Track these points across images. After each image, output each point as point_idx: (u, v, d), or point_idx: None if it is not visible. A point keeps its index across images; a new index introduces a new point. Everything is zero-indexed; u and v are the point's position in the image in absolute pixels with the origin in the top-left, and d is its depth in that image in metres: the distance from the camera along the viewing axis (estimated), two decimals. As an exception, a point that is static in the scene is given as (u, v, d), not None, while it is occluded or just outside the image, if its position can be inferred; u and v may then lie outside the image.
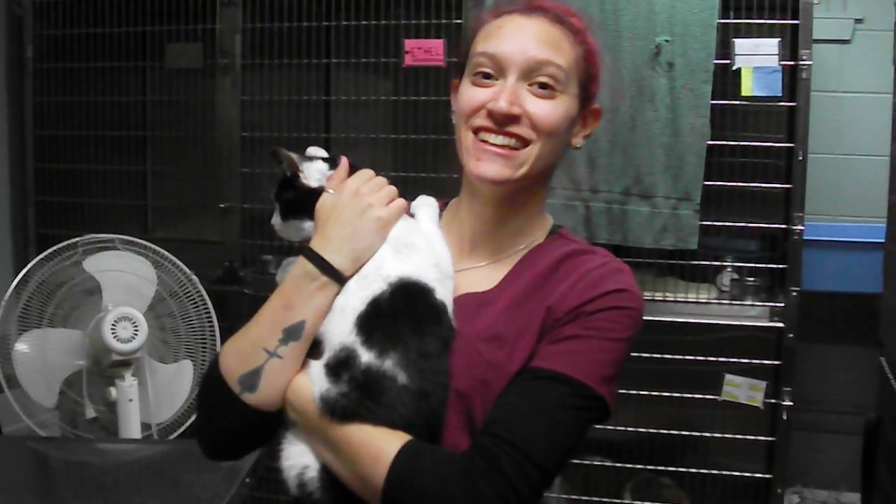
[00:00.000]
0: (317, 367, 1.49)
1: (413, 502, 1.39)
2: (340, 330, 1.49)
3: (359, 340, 1.46)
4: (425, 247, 1.58)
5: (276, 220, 1.66)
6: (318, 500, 1.50)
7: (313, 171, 1.61)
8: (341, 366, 1.46)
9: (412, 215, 1.66)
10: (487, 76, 1.58)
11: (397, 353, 1.44)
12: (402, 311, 1.48)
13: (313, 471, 1.51)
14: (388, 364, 1.44)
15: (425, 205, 1.71)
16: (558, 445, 1.45)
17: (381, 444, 1.42)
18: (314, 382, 1.48)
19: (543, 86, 1.56)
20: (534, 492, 1.42)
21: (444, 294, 1.55)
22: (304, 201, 1.60)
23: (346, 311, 1.50)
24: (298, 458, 1.52)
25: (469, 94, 1.60)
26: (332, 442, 1.46)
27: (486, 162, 1.57)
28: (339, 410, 1.44)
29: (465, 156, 1.61)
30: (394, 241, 1.56)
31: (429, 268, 1.55)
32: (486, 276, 1.64)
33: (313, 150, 1.70)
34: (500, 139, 1.55)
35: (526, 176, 1.58)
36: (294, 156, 1.61)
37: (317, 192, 1.60)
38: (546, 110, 1.56)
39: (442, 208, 1.77)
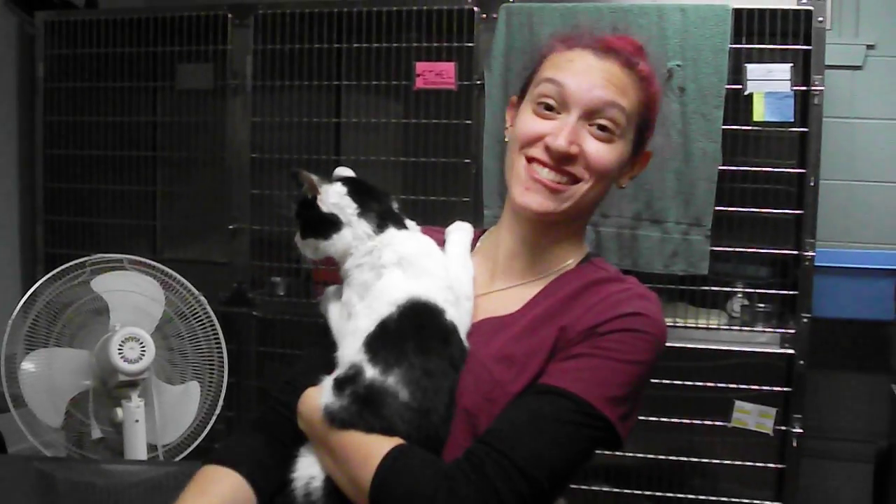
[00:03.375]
0: (327, 382, 1.53)
1: (396, 501, 1.40)
2: (350, 350, 1.53)
3: (366, 358, 1.49)
4: (437, 269, 1.61)
5: (297, 237, 1.69)
6: None
7: (330, 195, 1.64)
8: (347, 381, 1.49)
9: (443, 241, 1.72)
10: (550, 107, 1.60)
11: (401, 370, 1.47)
12: (409, 331, 1.51)
13: (318, 481, 1.54)
14: (391, 381, 1.47)
15: (459, 229, 1.76)
16: (550, 457, 1.43)
17: (371, 448, 1.44)
18: (322, 395, 1.51)
19: (603, 128, 1.58)
20: (519, 499, 1.40)
21: (457, 315, 1.57)
22: (319, 223, 1.64)
23: (356, 333, 1.54)
24: (306, 470, 1.56)
25: (529, 123, 1.62)
26: (331, 448, 1.49)
27: (532, 192, 1.60)
28: (338, 422, 1.47)
29: (514, 181, 1.63)
30: (403, 265, 1.58)
31: (440, 290, 1.57)
32: (512, 300, 1.66)
33: (340, 171, 1.74)
34: (551, 175, 1.58)
35: (568, 211, 1.61)
36: (314, 178, 1.65)
37: (330, 218, 1.63)
38: (602, 153, 1.58)
39: (479, 236, 1.81)
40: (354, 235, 1.62)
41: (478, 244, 1.79)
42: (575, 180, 1.59)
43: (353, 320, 1.57)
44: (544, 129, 1.59)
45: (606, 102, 1.57)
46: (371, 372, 1.47)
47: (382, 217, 1.64)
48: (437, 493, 1.38)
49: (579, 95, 1.57)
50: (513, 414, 1.47)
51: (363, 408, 1.46)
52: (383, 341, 1.50)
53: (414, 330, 1.51)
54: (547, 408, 1.46)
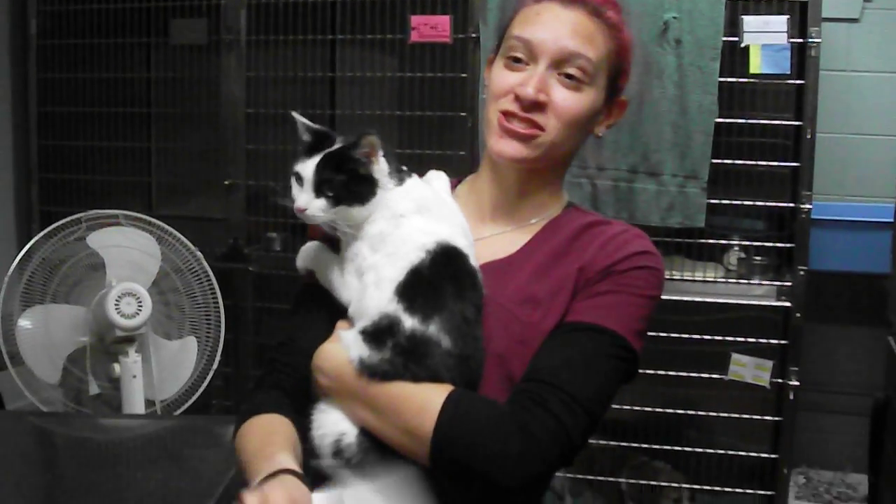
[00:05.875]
0: (351, 334, 1.51)
1: (464, 447, 1.42)
2: (377, 301, 1.50)
3: (401, 308, 1.47)
4: (453, 214, 1.63)
5: (313, 203, 1.54)
6: (356, 464, 1.49)
7: (384, 164, 1.58)
8: (383, 333, 1.48)
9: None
10: (519, 60, 1.65)
11: (441, 318, 1.47)
12: (444, 277, 1.51)
13: (351, 436, 1.51)
14: (433, 329, 1.47)
15: (438, 178, 1.77)
16: (600, 391, 1.52)
17: (426, 395, 1.45)
18: (350, 348, 1.50)
19: (571, 77, 1.63)
20: (581, 433, 1.47)
21: (474, 260, 1.59)
22: (361, 188, 1.55)
23: (381, 284, 1.50)
24: (333, 427, 1.53)
25: (500, 77, 1.68)
26: (373, 400, 1.48)
27: (506, 140, 1.65)
28: (380, 374, 1.46)
29: (489, 132, 1.69)
30: (422, 211, 1.58)
31: (459, 236, 1.58)
32: (506, 244, 1.72)
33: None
34: (522, 125, 1.63)
35: (542, 158, 1.66)
36: (379, 141, 1.55)
37: (373, 182, 1.55)
38: (570, 101, 1.64)
39: (453, 186, 1.84)
40: (383, 197, 1.56)
41: (455, 192, 1.81)
42: (541, 128, 1.63)
43: (371, 272, 1.52)
44: (514, 81, 1.64)
45: (572, 52, 1.62)
46: (410, 321, 1.46)
47: (399, 173, 1.62)
48: (508, 433, 1.42)
49: (546, 46, 1.63)
50: (558, 351, 1.54)
51: (408, 359, 1.46)
52: (418, 289, 1.49)
53: (449, 276, 1.52)
54: (589, 344, 1.54)
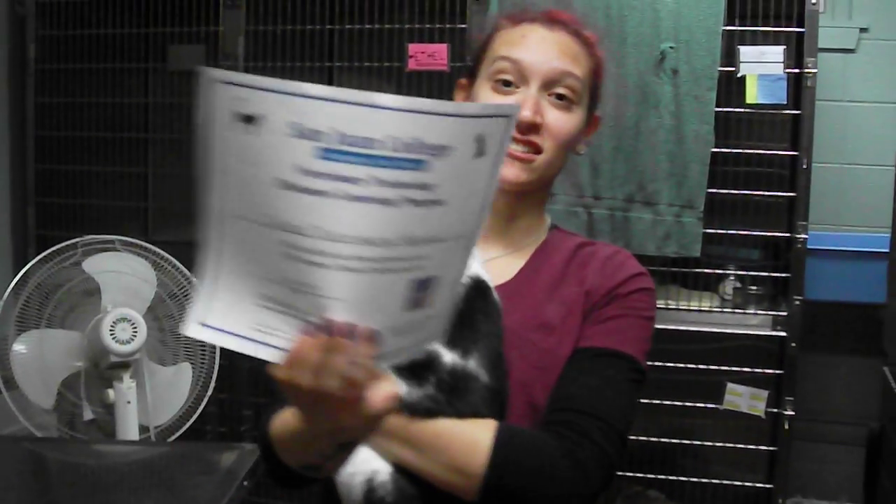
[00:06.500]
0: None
1: (518, 480, 1.40)
2: None
3: (439, 343, 1.40)
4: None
5: None
6: (392, 503, 1.43)
7: None
8: (422, 368, 1.40)
9: None
10: (508, 83, 1.65)
11: (479, 352, 1.44)
12: (478, 311, 1.49)
13: (384, 474, 1.43)
14: (472, 364, 1.43)
15: None
16: (627, 414, 1.53)
17: (474, 432, 1.41)
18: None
19: (561, 97, 1.64)
20: (620, 457, 1.49)
21: (496, 293, 1.56)
22: None
23: None
24: (364, 465, 1.44)
25: (490, 100, 1.67)
26: (415, 439, 1.41)
27: (506, 165, 1.62)
28: (423, 411, 1.40)
29: None
30: None
31: (482, 269, 1.55)
32: (502, 269, 1.71)
33: None
34: (519, 147, 1.63)
35: (538, 180, 1.68)
36: None
37: None
38: (562, 121, 1.65)
39: None
40: None
41: None
42: (538, 150, 1.64)
43: None
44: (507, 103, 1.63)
45: (563, 72, 1.63)
46: (449, 356, 1.41)
47: None
48: (558, 464, 1.42)
49: (537, 68, 1.63)
50: (583, 379, 1.55)
51: (451, 395, 1.41)
52: (455, 322, 1.35)
53: (481, 309, 1.49)
54: (611, 370, 1.56)
